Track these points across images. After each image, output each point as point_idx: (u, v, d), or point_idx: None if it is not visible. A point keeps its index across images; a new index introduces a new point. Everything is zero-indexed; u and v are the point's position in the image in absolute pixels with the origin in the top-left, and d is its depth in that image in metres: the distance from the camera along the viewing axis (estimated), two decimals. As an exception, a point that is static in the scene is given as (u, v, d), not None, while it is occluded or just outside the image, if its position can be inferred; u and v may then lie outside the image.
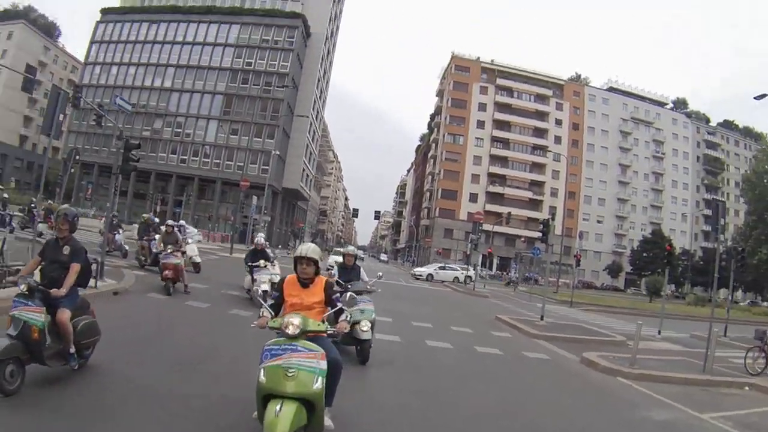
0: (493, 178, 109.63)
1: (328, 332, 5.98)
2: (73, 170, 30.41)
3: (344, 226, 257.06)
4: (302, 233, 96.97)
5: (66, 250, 7.45)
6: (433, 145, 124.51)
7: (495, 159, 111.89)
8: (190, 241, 25.05)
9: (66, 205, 8.26)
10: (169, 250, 17.23)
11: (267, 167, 73.21)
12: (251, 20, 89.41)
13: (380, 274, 14.17)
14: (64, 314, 7.10)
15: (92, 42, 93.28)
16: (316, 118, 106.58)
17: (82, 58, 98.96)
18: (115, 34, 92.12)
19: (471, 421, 8.32)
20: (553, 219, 33.34)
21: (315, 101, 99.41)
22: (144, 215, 25.95)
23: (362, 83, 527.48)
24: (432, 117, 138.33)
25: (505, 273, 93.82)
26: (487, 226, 72.51)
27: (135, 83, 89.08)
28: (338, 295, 6.64)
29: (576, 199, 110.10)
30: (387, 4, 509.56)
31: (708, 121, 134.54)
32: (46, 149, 17.21)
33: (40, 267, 7.57)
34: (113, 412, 6.55)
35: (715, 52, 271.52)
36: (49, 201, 39.35)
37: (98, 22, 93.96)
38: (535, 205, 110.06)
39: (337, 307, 6.30)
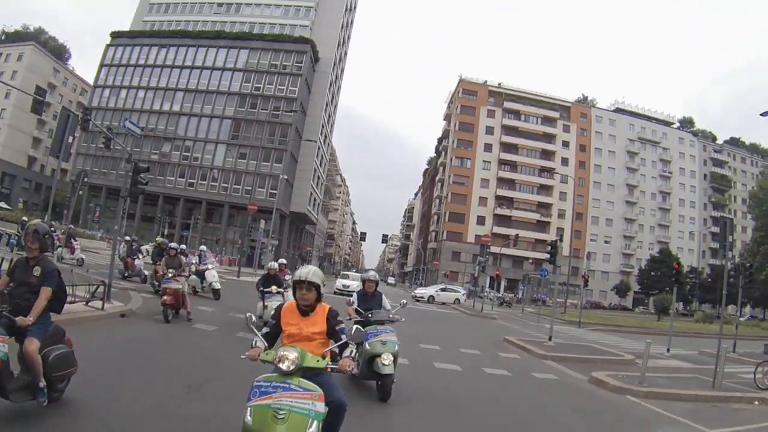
0: (501, 200, 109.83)
1: (329, 369, 5.23)
2: (81, 192, 30.66)
3: (352, 250, 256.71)
4: (310, 257, 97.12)
5: (36, 271, 6.56)
6: (441, 168, 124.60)
7: (502, 181, 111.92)
8: (210, 266, 24.53)
9: (37, 220, 7.08)
10: (170, 275, 16.29)
11: (275, 191, 73.47)
12: (260, 45, 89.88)
13: (404, 301, 12.74)
14: (32, 345, 6.24)
15: (102, 65, 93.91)
16: (324, 143, 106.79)
17: (91, 81, 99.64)
18: (125, 58, 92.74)
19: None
20: (560, 240, 33.37)
21: (323, 126, 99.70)
22: (158, 239, 25.68)
23: (369, 107, 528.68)
24: (439, 140, 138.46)
25: (513, 294, 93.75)
26: (494, 249, 72.38)
27: (144, 107, 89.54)
28: (343, 326, 5.67)
29: (583, 220, 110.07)
30: (394, 30, 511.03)
31: (714, 139, 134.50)
32: (55, 171, 17.29)
33: (7, 289, 6.63)
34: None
35: (721, 69, 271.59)
36: (71, 225, 39.55)
37: (108, 46, 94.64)
38: (542, 226, 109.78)
39: (342, 341, 5.45)
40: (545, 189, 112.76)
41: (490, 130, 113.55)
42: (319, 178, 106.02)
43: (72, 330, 11.33)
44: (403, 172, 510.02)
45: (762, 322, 73.13)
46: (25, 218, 33.35)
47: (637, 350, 22.19)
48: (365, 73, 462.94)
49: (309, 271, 5.50)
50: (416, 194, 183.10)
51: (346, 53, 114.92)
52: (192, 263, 24.50)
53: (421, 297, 55.67)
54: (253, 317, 5.72)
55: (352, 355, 5.52)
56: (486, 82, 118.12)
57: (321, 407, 4.87)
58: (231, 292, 24.68)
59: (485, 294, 58.74)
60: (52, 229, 32.82)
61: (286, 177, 74.17)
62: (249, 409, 4.78)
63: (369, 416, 8.66)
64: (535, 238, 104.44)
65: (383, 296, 11.31)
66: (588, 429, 10.12)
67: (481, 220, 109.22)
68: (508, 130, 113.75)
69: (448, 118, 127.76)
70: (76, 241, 31.96)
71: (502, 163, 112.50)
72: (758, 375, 16.74)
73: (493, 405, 11.12)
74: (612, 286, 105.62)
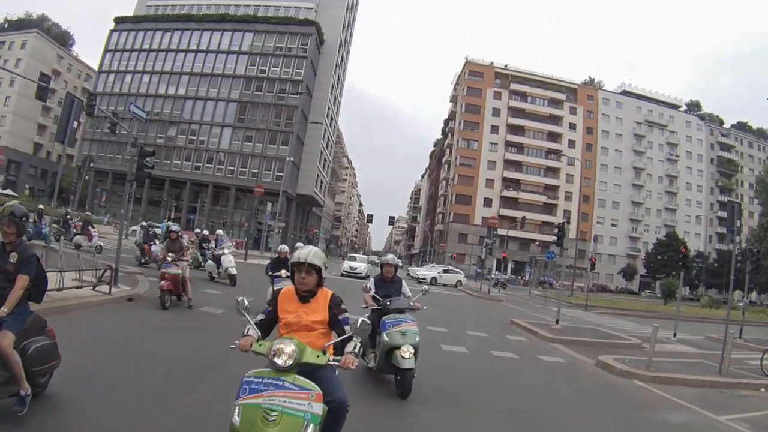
0: (508, 182, 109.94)
1: (329, 365, 4.61)
2: (87, 177, 30.55)
3: (358, 232, 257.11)
4: (317, 239, 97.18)
5: (13, 257, 6.00)
6: (448, 150, 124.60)
7: (509, 163, 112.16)
8: (226, 251, 23.97)
9: (14, 202, 6.40)
10: (169, 259, 15.41)
11: (281, 174, 73.44)
12: (265, 28, 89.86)
13: (426, 287, 11.64)
14: (5, 339, 5.60)
15: (106, 50, 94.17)
16: (330, 125, 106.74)
17: (96, 67, 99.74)
18: (129, 43, 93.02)
19: (490, 421, 8.43)
20: (567, 223, 33.34)
21: (329, 108, 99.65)
22: (168, 222, 25.05)
23: (376, 90, 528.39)
24: (446, 122, 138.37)
25: (519, 277, 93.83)
26: (501, 231, 72.25)
27: (149, 91, 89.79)
28: (347, 315, 5.05)
29: (590, 202, 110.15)
30: (400, 11, 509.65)
31: (722, 123, 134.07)
32: (60, 157, 17.01)
33: None
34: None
35: (729, 53, 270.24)
36: (88, 213, 39.40)
37: (112, 31, 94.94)
38: (549, 209, 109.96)
39: (346, 335, 4.87)
40: (552, 171, 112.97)
41: (496, 112, 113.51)
42: (325, 160, 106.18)
43: (66, 316, 11.45)
44: (410, 154, 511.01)
45: (753, 305, 72.98)
46: (41, 206, 32.68)
47: (644, 334, 22.24)
48: (371, 55, 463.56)
49: (309, 252, 4.93)
50: (423, 176, 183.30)
51: (351, 35, 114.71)
52: (210, 247, 24.43)
53: (423, 278, 53.19)
54: (246, 302, 4.99)
55: (356, 350, 4.80)
56: (492, 63, 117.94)
57: (318, 408, 4.31)
58: (241, 276, 24.20)
59: (492, 276, 58.78)
60: (68, 216, 32.59)
61: (292, 159, 74.19)
62: (237, 408, 4.26)
63: (384, 414, 8.15)
64: (542, 221, 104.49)
65: (403, 282, 10.35)
66: (595, 413, 10.15)
67: (487, 202, 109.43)
68: (515, 111, 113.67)
69: (454, 99, 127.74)
70: (93, 228, 31.48)
71: (509, 144, 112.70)
72: (765, 362, 16.71)
73: (501, 388, 11.15)
74: (619, 269, 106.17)
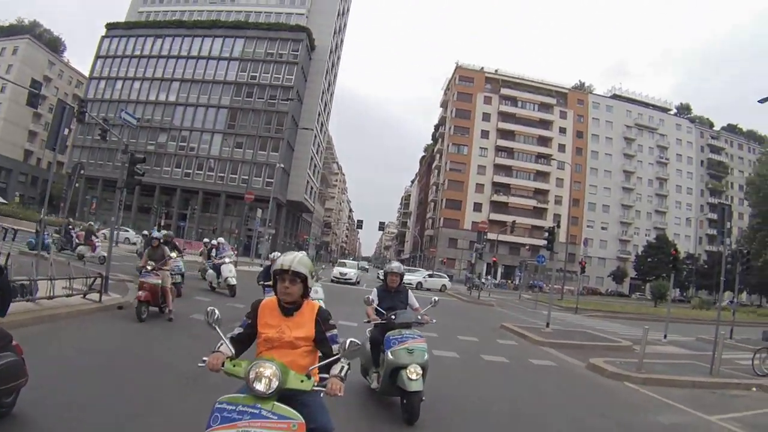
0: (498, 187, 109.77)
1: (314, 390, 4.04)
2: (77, 184, 30.27)
3: (348, 238, 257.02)
4: (307, 245, 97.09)
5: None
6: (438, 155, 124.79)
7: (499, 168, 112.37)
8: (227, 260, 23.15)
9: None
10: (149, 268, 14.44)
11: (271, 180, 73.64)
12: (256, 34, 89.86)
13: (436, 298, 10.07)
14: None
15: (97, 57, 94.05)
16: (321, 131, 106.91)
17: (87, 73, 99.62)
18: (120, 49, 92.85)
19: (479, 423, 8.41)
20: (557, 227, 33.42)
21: (319, 114, 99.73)
22: (163, 231, 24.29)
23: (366, 95, 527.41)
24: (436, 128, 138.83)
25: (509, 281, 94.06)
26: (491, 235, 72.51)
27: (140, 98, 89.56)
28: (335, 332, 4.45)
29: (580, 206, 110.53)
30: (392, 17, 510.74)
31: (711, 125, 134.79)
32: (51, 164, 16.86)
33: None
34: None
35: (718, 55, 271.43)
36: (90, 222, 39.09)
37: (103, 37, 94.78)
38: (539, 213, 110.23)
39: (333, 356, 4.23)
40: (542, 175, 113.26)
41: (486, 117, 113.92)
42: (315, 166, 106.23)
43: (54, 326, 11.40)
44: (400, 160, 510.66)
45: (759, 308, 73.38)
46: (43, 217, 32.11)
47: (635, 336, 22.32)
48: (362, 61, 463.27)
49: (293, 259, 4.31)
50: (413, 181, 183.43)
51: (342, 41, 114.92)
52: (208, 255, 24.06)
53: (409, 284, 53.57)
54: (216, 312, 4.26)
55: (343, 374, 4.16)
56: (483, 68, 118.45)
57: None
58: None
59: (482, 281, 58.84)
60: (70, 226, 32.27)
61: (282, 166, 74.19)
62: None
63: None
64: (532, 225, 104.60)
65: (409, 292, 9.29)
66: (586, 415, 10.13)
67: (477, 207, 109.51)
68: (505, 116, 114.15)
69: (444, 104, 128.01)
70: (97, 237, 30.78)
71: (499, 149, 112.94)
72: (756, 361, 16.85)
73: (493, 392, 11.11)
74: (609, 272, 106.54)
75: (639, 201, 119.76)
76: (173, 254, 18.65)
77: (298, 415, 3.80)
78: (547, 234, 29.03)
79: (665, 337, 25.11)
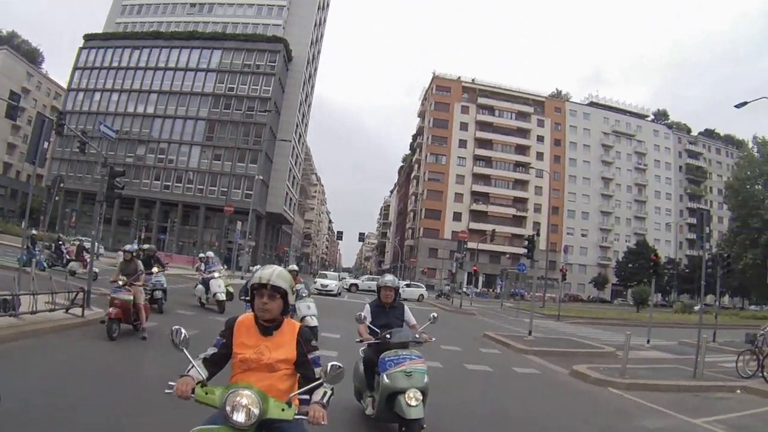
0: (477, 196, 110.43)
1: (296, 419, 3.69)
2: (57, 198, 29.89)
3: (329, 249, 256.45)
4: (287, 257, 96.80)
5: None
6: (416, 165, 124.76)
7: (478, 177, 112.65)
8: (216, 275, 22.01)
9: None
10: (120, 283, 13.42)
11: (250, 192, 73.43)
12: (233, 45, 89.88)
13: (435, 314, 8.90)
14: None
15: (75, 68, 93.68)
16: (299, 142, 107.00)
17: (65, 85, 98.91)
18: (98, 60, 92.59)
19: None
20: (537, 235, 33.57)
21: (297, 125, 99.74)
22: (145, 246, 22.53)
23: (344, 106, 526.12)
24: (414, 138, 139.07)
25: (491, 290, 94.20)
26: (471, 244, 72.46)
27: (118, 109, 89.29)
28: (317, 353, 4.11)
29: (560, 214, 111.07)
30: (368, 27, 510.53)
31: (689, 130, 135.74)
32: (30, 177, 16.67)
33: None
34: None
35: (694, 61, 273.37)
36: (80, 237, 38.56)
37: (81, 48, 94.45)
38: (518, 221, 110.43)
39: (317, 380, 3.87)
40: (521, 184, 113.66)
41: (464, 126, 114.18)
42: (294, 177, 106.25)
43: (36, 341, 11.27)
44: (379, 170, 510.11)
45: (741, 311, 74.10)
46: (34, 232, 31.08)
47: (617, 342, 22.33)
48: (338, 71, 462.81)
49: (272, 272, 3.95)
50: (392, 192, 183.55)
51: (319, 51, 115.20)
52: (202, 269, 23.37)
53: None
54: (183, 332, 3.95)
55: (326, 400, 3.81)
56: (460, 78, 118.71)
57: None
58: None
59: (464, 290, 58.84)
60: (60, 242, 31.85)
61: (261, 177, 73.95)
62: None
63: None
64: (512, 233, 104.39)
65: (405, 308, 8.49)
66: (571, 422, 10.11)
67: (457, 216, 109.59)
68: (483, 125, 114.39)
69: (422, 114, 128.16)
70: (88, 253, 29.50)
71: (477, 158, 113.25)
72: (740, 363, 16.92)
73: (477, 401, 11.12)
74: (590, 279, 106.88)
75: (618, 207, 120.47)
76: (154, 269, 18.39)
77: None
78: (527, 242, 29.14)
79: (648, 342, 25.19)
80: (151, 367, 10.48)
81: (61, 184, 25.25)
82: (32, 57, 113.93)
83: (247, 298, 8.82)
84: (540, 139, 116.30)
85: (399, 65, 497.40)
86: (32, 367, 9.31)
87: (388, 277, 8.55)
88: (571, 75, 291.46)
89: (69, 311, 14.55)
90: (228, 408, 3.46)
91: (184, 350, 3.84)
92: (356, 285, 56.48)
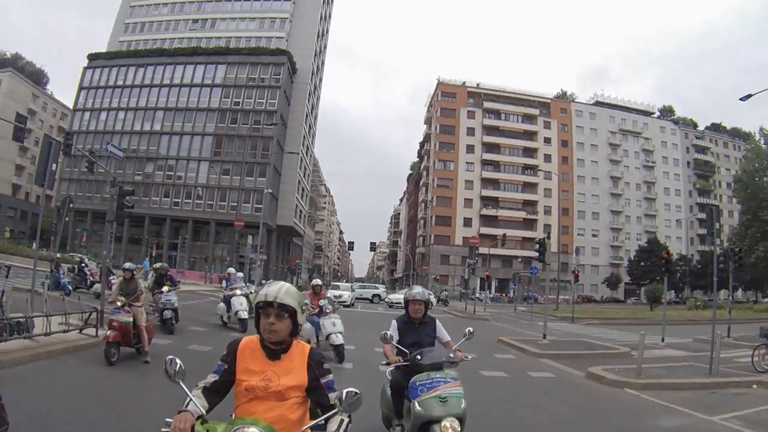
0: (486, 201, 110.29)
1: None
2: (67, 218, 29.85)
3: (340, 260, 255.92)
4: (299, 269, 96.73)
5: None
6: (424, 172, 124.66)
7: (486, 182, 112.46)
8: (238, 292, 20.82)
9: None
10: (119, 304, 12.68)
11: (260, 206, 73.56)
12: (237, 59, 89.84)
13: (470, 329, 7.68)
14: None
15: (80, 88, 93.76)
16: (307, 154, 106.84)
17: (71, 105, 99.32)
18: (103, 79, 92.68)
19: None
20: (548, 237, 33.50)
21: (304, 137, 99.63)
22: (156, 264, 22.41)
23: (350, 115, 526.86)
24: (421, 144, 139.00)
25: (504, 294, 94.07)
26: (483, 250, 72.35)
27: (125, 128, 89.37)
28: (331, 377, 3.68)
29: (570, 215, 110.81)
30: (372, 35, 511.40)
31: (696, 125, 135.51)
32: (40, 198, 16.58)
33: None
34: None
35: (698, 56, 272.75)
36: (107, 260, 38.51)
37: (86, 68, 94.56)
38: (529, 224, 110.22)
39: (331, 407, 3.51)
40: (530, 186, 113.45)
41: (471, 131, 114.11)
42: (303, 189, 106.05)
43: (53, 362, 11.22)
44: (388, 179, 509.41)
45: (756, 304, 73.81)
46: (58, 255, 30.39)
47: (632, 342, 22.20)
48: (343, 81, 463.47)
49: (279, 289, 3.53)
50: (401, 200, 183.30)
51: (323, 62, 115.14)
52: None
53: (398, 303, 49.34)
54: (178, 363, 3.53)
55: (342, 430, 3.44)
56: (464, 83, 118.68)
57: None
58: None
59: (476, 296, 58.66)
60: (83, 264, 31.48)
61: (270, 191, 74.05)
62: None
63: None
64: (523, 237, 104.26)
65: (437, 323, 7.41)
66: (588, 424, 10.14)
67: (467, 222, 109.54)
68: (489, 129, 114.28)
69: (428, 121, 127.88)
70: (114, 275, 27.46)
71: (485, 163, 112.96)
72: (756, 358, 16.87)
73: (494, 408, 10.99)
74: (602, 279, 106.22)
75: (628, 206, 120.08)
76: (165, 288, 17.98)
77: None
78: (538, 245, 29.05)
79: (663, 340, 25.11)
80: (150, 395, 9.50)
81: (71, 205, 25.22)
82: (37, 78, 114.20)
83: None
84: (547, 140, 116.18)
85: (406, 72, 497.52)
86: (47, 389, 9.26)
87: (417, 289, 7.38)
88: (575, 75, 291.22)
89: (83, 331, 14.53)
90: None
91: (180, 383, 3.48)
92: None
